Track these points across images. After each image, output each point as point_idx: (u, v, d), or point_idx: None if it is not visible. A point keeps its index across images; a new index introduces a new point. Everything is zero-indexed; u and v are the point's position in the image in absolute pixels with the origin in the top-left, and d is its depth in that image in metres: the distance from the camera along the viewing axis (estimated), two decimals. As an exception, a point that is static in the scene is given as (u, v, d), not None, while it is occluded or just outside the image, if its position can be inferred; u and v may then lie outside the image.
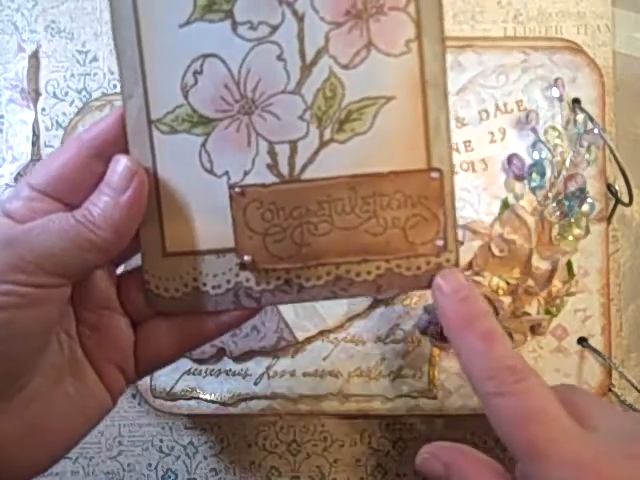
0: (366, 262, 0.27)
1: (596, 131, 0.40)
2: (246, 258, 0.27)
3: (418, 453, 0.27)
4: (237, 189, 0.27)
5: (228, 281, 0.27)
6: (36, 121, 0.44)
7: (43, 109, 0.44)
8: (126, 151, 0.26)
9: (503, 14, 0.44)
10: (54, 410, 0.26)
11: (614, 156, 0.39)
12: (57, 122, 0.44)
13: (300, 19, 0.26)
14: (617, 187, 0.41)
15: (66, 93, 0.44)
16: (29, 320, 0.24)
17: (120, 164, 0.26)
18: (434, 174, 0.26)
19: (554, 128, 0.40)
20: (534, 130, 0.40)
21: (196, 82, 0.26)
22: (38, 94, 0.44)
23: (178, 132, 0.27)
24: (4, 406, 0.24)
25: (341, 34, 0.26)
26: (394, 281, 0.27)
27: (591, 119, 0.40)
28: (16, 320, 0.24)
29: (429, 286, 0.27)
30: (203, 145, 0.27)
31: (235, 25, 0.26)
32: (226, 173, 0.27)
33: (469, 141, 0.41)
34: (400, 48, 0.26)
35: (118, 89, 0.44)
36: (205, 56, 0.26)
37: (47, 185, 0.26)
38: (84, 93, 0.44)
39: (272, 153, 0.26)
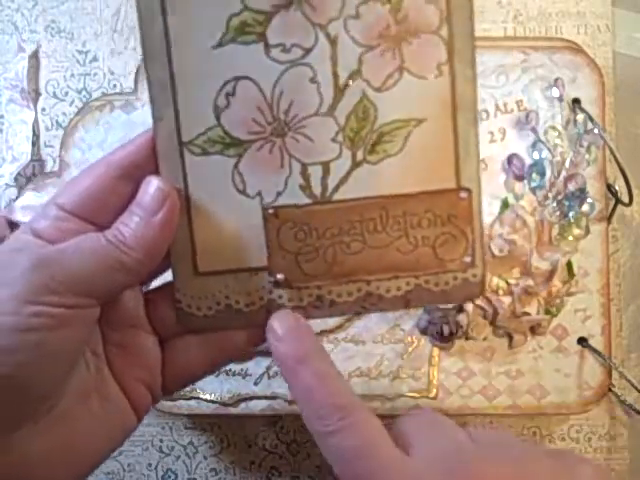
0: (396, 278, 0.27)
1: (596, 131, 0.40)
2: (279, 277, 0.27)
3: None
4: (271, 210, 0.27)
5: (261, 298, 0.27)
6: (36, 121, 0.44)
7: (43, 109, 0.44)
8: (155, 172, 0.26)
9: (503, 14, 0.44)
10: (80, 429, 0.26)
11: (614, 156, 0.39)
12: (57, 122, 0.44)
13: (333, 42, 0.25)
14: (617, 187, 0.41)
15: (66, 93, 0.44)
16: (60, 341, 0.24)
17: (152, 185, 0.25)
18: (463, 194, 0.27)
19: (554, 128, 0.40)
20: (534, 130, 0.40)
21: (228, 104, 0.26)
22: (38, 94, 0.44)
23: (210, 154, 0.26)
24: (32, 427, 0.24)
25: (374, 57, 0.26)
26: (422, 296, 0.27)
27: (591, 119, 0.40)
28: (47, 341, 0.23)
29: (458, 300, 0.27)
30: (236, 166, 0.26)
31: (268, 48, 0.26)
32: (259, 194, 0.27)
33: (469, 141, 0.41)
34: (432, 71, 0.26)
35: (118, 89, 0.44)
36: (237, 78, 0.26)
37: (74, 205, 0.25)
38: (84, 93, 0.44)
39: (305, 174, 0.27)
